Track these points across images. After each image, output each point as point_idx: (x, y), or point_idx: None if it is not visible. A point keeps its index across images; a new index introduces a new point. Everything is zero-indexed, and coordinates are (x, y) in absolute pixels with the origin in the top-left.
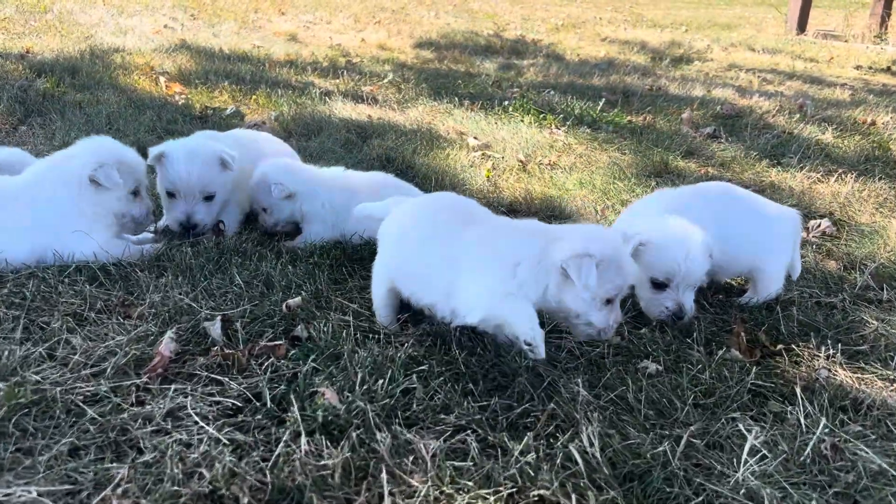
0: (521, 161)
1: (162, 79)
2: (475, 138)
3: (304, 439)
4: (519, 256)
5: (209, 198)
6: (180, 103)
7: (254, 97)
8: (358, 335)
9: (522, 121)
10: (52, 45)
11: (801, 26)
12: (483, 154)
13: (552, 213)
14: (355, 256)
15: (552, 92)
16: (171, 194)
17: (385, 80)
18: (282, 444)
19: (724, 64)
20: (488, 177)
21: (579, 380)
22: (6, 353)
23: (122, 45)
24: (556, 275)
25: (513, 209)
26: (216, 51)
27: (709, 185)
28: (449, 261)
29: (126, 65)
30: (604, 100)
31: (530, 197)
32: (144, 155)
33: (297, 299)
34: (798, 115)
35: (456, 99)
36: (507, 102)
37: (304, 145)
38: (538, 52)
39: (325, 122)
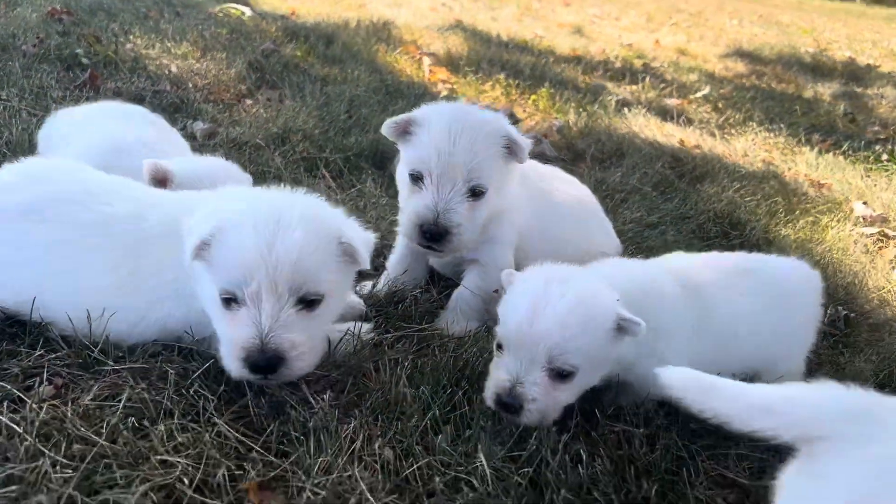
0: None
1: (426, 61)
2: (864, 204)
3: None
4: None
5: (478, 193)
6: (441, 94)
7: (532, 98)
8: None
9: None
10: (319, 10)
11: None
12: (880, 234)
13: None
14: None
15: None
16: (417, 178)
17: (698, 95)
18: None
19: None
20: None
21: None
22: None
23: (394, 18)
24: None
25: None
26: (493, 36)
27: None
28: None
29: (391, 38)
30: None
31: None
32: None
33: None
34: None
35: (801, 132)
36: (878, 147)
37: (599, 177)
38: (884, 80)
39: (626, 142)
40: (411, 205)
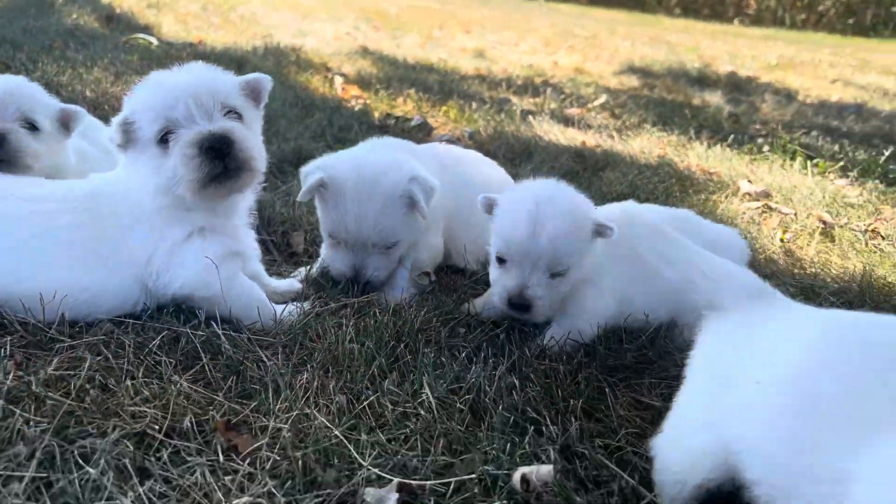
0: (823, 222)
1: (338, 80)
2: (749, 182)
3: None
4: None
5: (390, 246)
6: (356, 109)
7: (443, 109)
8: None
9: (784, 165)
10: (225, 40)
11: None
12: (764, 206)
13: None
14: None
15: (814, 133)
16: (334, 239)
17: (596, 104)
18: None
19: None
20: (783, 241)
21: None
22: None
23: (301, 46)
24: None
25: (848, 303)
26: (399, 60)
27: None
28: None
29: (300, 62)
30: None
31: (871, 280)
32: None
33: (547, 470)
34: None
35: (691, 131)
36: (760, 140)
37: (513, 172)
38: (762, 89)
39: (532, 144)
40: (334, 263)
